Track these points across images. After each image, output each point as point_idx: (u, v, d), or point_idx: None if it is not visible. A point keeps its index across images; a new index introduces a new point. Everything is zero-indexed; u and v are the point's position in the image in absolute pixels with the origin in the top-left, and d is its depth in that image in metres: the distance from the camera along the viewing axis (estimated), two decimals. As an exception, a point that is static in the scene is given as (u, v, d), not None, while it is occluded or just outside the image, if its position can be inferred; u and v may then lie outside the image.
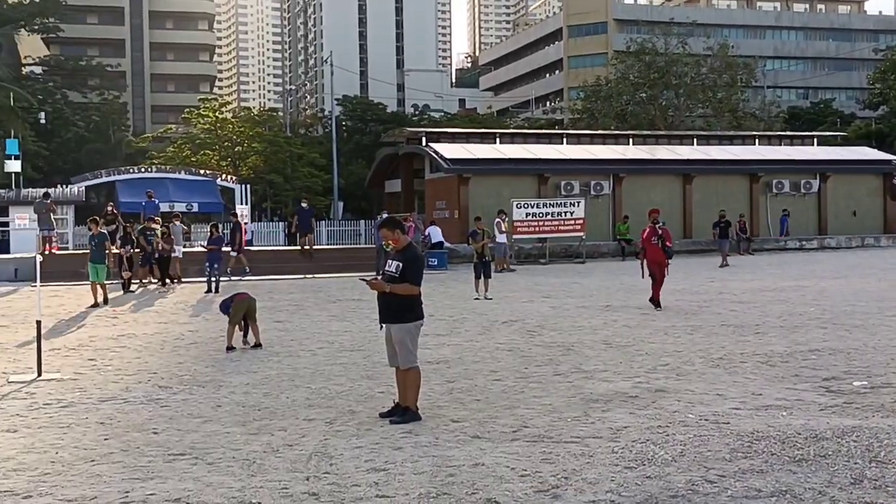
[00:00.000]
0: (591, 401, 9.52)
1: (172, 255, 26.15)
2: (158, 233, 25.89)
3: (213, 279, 23.62)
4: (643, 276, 18.23)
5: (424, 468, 7.05)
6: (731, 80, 65.54)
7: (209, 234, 24.99)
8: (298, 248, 32.32)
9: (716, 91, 65.39)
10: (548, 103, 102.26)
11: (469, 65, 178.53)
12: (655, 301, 17.97)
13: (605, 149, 43.01)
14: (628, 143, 44.66)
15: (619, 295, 21.35)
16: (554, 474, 6.82)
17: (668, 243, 18.39)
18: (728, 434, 7.96)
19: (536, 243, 35.27)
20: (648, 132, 51.84)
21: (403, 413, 8.71)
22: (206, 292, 23.05)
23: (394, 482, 6.70)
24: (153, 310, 19.86)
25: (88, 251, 21.59)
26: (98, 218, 23.22)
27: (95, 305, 20.29)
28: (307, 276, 28.65)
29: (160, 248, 25.59)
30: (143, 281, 25.89)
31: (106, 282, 21.17)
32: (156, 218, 27.88)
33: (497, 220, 30.28)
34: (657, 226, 18.31)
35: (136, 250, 25.64)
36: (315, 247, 32.45)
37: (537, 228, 34.73)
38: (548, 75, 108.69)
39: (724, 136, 50.38)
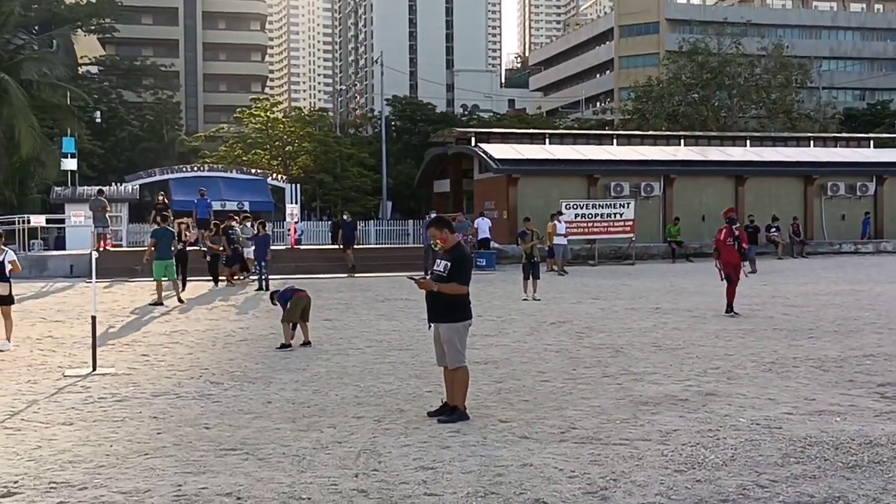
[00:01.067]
0: (641, 403, 9.45)
1: (245, 255, 25.90)
2: (239, 230, 25.81)
3: (263, 276, 23.87)
4: (721, 279, 17.70)
5: (472, 467, 7.06)
6: (785, 80, 64.55)
7: (256, 231, 25.13)
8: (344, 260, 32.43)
9: (770, 92, 64.47)
10: (598, 104, 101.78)
11: (519, 65, 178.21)
12: (730, 305, 17.31)
13: (655, 150, 42.61)
14: (680, 144, 44.19)
15: (668, 297, 21.17)
16: (602, 476, 6.79)
17: (744, 245, 18.01)
18: (780, 439, 7.85)
19: (585, 245, 35.08)
20: (700, 133, 51.23)
21: (451, 412, 8.73)
22: (257, 289, 23.29)
23: (442, 480, 6.71)
24: (204, 307, 20.11)
25: (153, 247, 21.13)
26: (166, 214, 23.38)
27: (156, 304, 20.28)
28: (356, 275, 28.80)
29: (220, 248, 25.69)
30: (235, 279, 25.61)
31: (162, 280, 21.14)
32: (235, 216, 27.81)
33: (554, 221, 30.08)
34: (734, 226, 17.79)
35: (221, 249, 25.65)
36: (357, 246, 32.49)
37: (586, 230, 34.55)
38: (598, 75, 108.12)
39: (777, 137, 49.57)
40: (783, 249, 37.09)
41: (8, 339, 13.87)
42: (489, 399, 9.74)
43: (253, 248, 25.06)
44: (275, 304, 14.25)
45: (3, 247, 14.14)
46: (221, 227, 26.13)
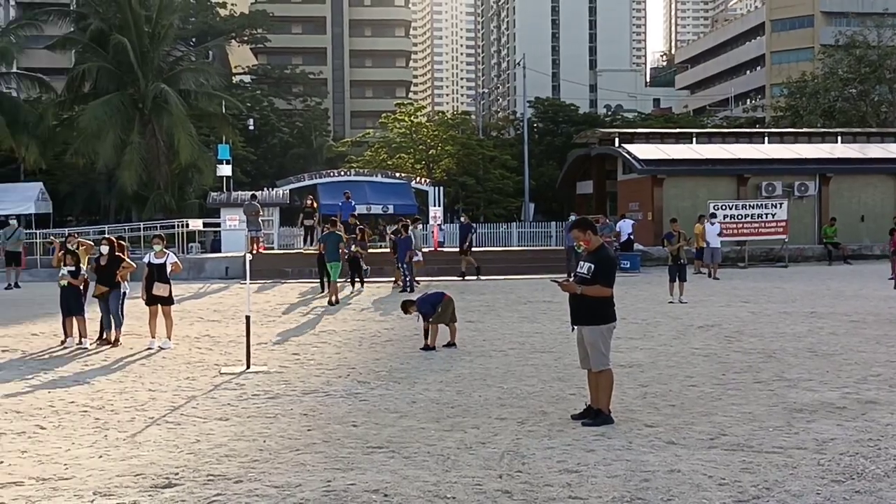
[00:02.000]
0: (795, 410, 9.10)
1: (414, 258, 25.50)
2: (414, 234, 25.67)
3: (408, 277, 24.20)
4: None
5: (618, 472, 6.96)
6: (952, 72, 60.84)
7: (398, 233, 25.40)
8: (488, 249, 32.15)
9: (935, 85, 60.91)
10: (748, 101, 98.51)
11: (664, 63, 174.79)
12: None
13: (810, 147, 40.91)
14: (836, 142, 42.29)
15: (825, 301, 20.29)
16: (755, 484, 6.57)
17: None
18: (948, 451, 7.41)
19: (735, 246, 34.05)
20: (859, 129, 48.89)
21: (596, 416, 8.63)
22: (402, 290, 23.63)
23: (586, 484, 6.65)
24: (351, 307, 20.57)
25: (322, 250, 22.05)
26: (335, 219, 24.01)
27: (331, 303, 20.92)
28: (498, 276, 28.86)
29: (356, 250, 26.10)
30: (398, 282, 25.54)
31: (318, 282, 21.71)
32: (410, 218, 28.10)
33: (703, 223, 29.23)
34: None
35: (363, 252, 25.90)
36: (499, 248, 32.38)
37: (736, 231, 33.53)
38: (748, 72, 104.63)
39: (944, 132, 46.81)
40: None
41: (168, 337, 14.57)
42: (634, 403, 9.58)
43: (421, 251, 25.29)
44: (409, 313, 14.26)
45: (164, 249, 14.89)
46: (394, 228, 26.13)
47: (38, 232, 34.15)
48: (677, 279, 20.83)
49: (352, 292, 24.16)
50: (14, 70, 47.15)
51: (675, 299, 20.50)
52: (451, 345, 13.87)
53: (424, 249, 28.19)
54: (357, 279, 25.69)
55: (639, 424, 8.58)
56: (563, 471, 7.01)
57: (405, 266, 24.38)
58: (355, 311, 19.87)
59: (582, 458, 7.39)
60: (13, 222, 29.93)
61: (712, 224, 29.12)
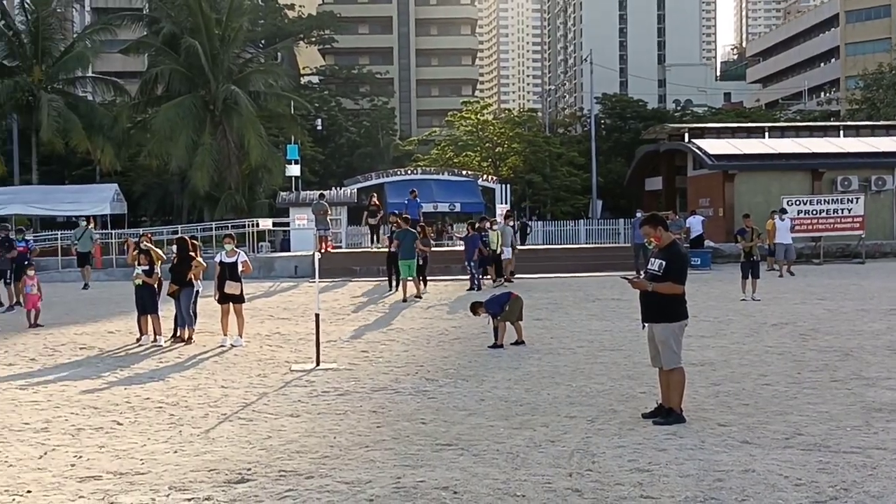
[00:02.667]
0: (874, 410, 8.86)
1: (503, 256, 25.65)
2: (493, 236, 25.29)
3: (475, 276, 24.16)
4: None
5: (690, 471, 6.85)
6: None
7: (465, 232, 25.31)
8: (556, 246, 31.84)
9: None
10: (822, 94, 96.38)
11: (735, 57, 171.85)
12: None
13: (889, 141, 39.73)
14: (916, 134, 41.09)
15: (903, 298, 19.73)
16: (832, 485, 6.41)
17: None
18: None
19: (810, 242, 33.30)
20: (941, 121, 47.45)
21: (667, 414, 8.52)
22: (469, 289, 23.58)
23: (658, 483, 6.56)
24: (419, 305, 20.63)
25: (396, 248, 22.12)
26: (406, 216, 24.11)
27: (405, 300, 21.09)
28: (565, 274, 28.68)
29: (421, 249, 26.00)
30: (496, 280, 25.30)
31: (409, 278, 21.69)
32: (490, 220, 27.95)
33: (775, 218, 28.54)
34: None
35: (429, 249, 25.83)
36: (567, 246, 32.03)
37: (811, 227, 32.82)
38: (822, 64, 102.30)
39: None
40: None
41: (240, 335, 14.79)
42: (706, 402, 9.43)
43: (510, 249, 25.09)
44: (478, 315, 14.16)
45: (236, 249, 15.12)
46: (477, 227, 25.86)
47: (113, 232, 35.00)
48: (750, 276, 20.41)
49: (390, 292, 23.83)
50: (90, 74, 48.41)
51: (747, 297, 20.09)
52: (518, 342, 13.83)
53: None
54: (420, 278, 25.57)
55: (711, 423, 8.44)
56: (634, 470, 6.93)
57: (472, 264, 24.28)
58: (423, 308, 19.92)
59: (653, 457, 7.30)
60: (83, 223, 30.55)
61: (783, 220, 28.42)
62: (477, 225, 25.91)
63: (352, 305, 20.81)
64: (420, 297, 21.57)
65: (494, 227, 26.28)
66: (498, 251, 25.51)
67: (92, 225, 31.36)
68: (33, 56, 44.05)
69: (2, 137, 47.08)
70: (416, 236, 22.43)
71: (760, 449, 7.49)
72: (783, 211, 29.46)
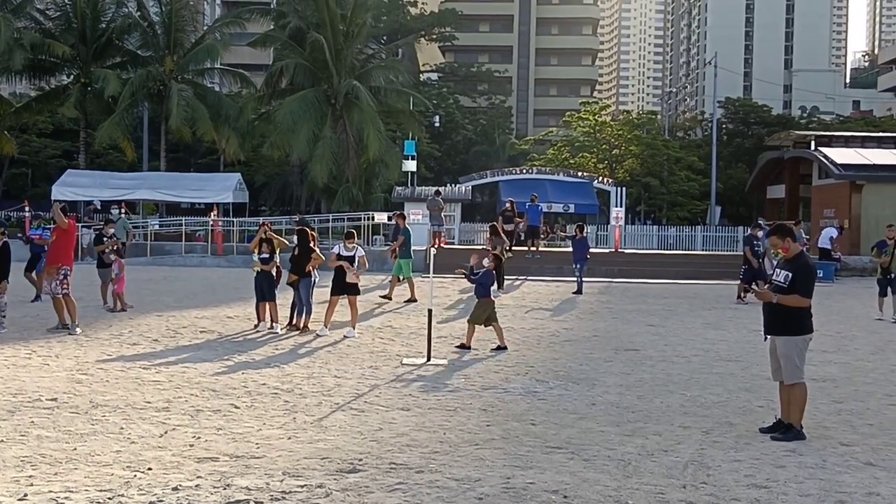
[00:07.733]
0: None
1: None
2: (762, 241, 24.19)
3: (581, 279, 23.79)
4: None
5: (811, 490, 6.61)
6: None
7: (573, 234, 24.97)
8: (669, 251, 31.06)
9: None
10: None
11: (866, 64, 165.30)
12: None
13: None
14: None
15: None
16: (965, 517, 6.09)
17: None
18: None
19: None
20: None
21: (787, 430, 8.25)
22: (574, 293, 23.26)
23: (776, 501, 6.36)
24: (528, 305, 20.52)
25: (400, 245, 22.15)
26: (404, 214, 24.20)
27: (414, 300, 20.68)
28: (680, 281, 28.10)
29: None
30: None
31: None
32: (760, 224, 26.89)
33: None
34: None
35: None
36: (682, 252, 31.28)
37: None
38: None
39: None
40: None
41: (353, 326, 15.01)
42: (828, 419, 9.10)
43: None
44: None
45: (354, 243, 15.36)
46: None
47: (234, 220, 36.03)
48: (890, 293, 18.69)
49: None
50: (218, 66, 49.90)
51: (884, 316, 18.51)
52: (500, 348, 13.58)
53: (605, 251, 27.23)
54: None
55: (833, 442, 8.14)
56: (751, 485, 6.73)
57: (579, 267, 23.86)
58: (534, 309, 19.83)
59: (771, 473, 7.08)
60: (115, 210, 30.17)
61: None
62: (749, 232, 23.23)
63: (464, 303, 20.85)
64: (390, 299, 20.67)
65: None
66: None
67: (126, 212, 31.22)
68: (166, 47, 45.71)
69: (133, 124, 48.95)
70: (411, 234, 22.58)
71: (886, 472, 7.18)
72: None
